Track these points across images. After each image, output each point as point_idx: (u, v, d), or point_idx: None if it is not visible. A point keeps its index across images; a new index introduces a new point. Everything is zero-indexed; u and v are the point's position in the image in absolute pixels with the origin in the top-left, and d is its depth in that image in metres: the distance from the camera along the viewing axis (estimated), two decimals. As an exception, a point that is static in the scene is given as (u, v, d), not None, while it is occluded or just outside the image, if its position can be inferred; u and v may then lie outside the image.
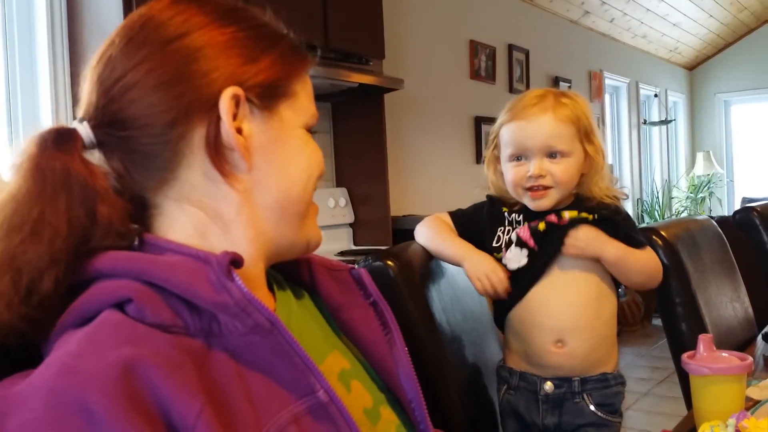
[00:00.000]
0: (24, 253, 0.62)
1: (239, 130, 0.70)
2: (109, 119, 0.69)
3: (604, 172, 1.34)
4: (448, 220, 1.42)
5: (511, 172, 1.33)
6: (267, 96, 0.73)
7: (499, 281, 1.29)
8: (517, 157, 1.32)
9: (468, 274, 1.32)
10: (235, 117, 0.70)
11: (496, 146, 1.38)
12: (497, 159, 1.38)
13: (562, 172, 1.30)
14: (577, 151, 1.31)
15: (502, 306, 1.36)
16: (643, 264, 1.35)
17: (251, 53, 0.72)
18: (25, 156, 0.66)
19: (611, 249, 1.30)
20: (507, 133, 1.33)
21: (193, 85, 0.69)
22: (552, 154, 1.30)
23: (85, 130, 0.69)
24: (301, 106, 0.76)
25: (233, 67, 0.70)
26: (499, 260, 1.33)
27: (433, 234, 1.39)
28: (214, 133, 0.69)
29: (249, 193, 0.72)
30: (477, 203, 1.44)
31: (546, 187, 1.30)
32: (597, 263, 1.32)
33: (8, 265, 0.62)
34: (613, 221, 1.32)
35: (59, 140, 0.67)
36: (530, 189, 1.31)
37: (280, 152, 0.74)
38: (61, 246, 0.64)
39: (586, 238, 1.29)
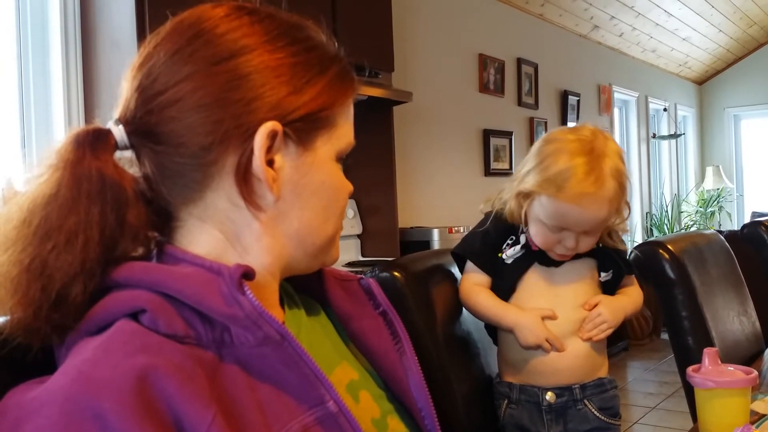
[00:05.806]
0: (56, 260, 0.63)
1: (271, 162, 0.70)
2: (145, 129, 0.69)
3: (622, 225, 1.35)
4: (480, 276, 1.37)
5: (541, 236, 1.29)
6: (305, 130, 0.71)
7: (549, 347, 1.30)
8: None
9: (520, 344, 1.31)
10: (269, 149, 0.69)
11: (530, 197, 1.28)
12: (526, 198, 1.29)
13: (592, 242, 1.31)
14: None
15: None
16: (637, 302, 1.41)
17: (298, 82, 0.70)
18: (60, 160, 0.66)
19: (629, 309, 1.37)
20: (553, 207, 1.24)
21: (234, 112, 0.67)
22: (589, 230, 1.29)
23: (120, 134, 0.69)
24: (339, 136, 0.75)
25: (278, 98, 0.69)
26: (501, 258, 1.34)
27: (475, 308, 1.37)
28: (245, 163, 0.68)
29: (272, 222, 0.72)
30: (483, 231, 1.37)
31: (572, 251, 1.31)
32: (591, 276, 1.35)
33: (40, 272, 0.63)
34: (617, 251, 1.36)
35: (94, 143, 0.67)
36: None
37: (308, 186, 0.73)
38: (92, 254, 0.64)
39: (612, 312, 1.32)
